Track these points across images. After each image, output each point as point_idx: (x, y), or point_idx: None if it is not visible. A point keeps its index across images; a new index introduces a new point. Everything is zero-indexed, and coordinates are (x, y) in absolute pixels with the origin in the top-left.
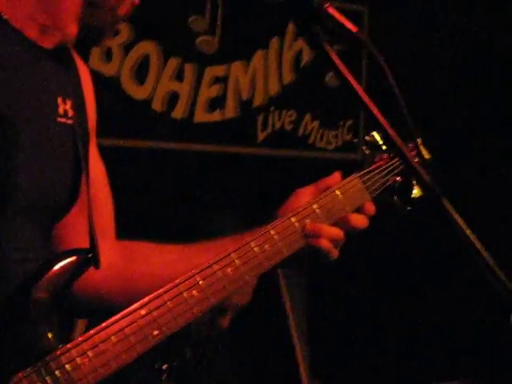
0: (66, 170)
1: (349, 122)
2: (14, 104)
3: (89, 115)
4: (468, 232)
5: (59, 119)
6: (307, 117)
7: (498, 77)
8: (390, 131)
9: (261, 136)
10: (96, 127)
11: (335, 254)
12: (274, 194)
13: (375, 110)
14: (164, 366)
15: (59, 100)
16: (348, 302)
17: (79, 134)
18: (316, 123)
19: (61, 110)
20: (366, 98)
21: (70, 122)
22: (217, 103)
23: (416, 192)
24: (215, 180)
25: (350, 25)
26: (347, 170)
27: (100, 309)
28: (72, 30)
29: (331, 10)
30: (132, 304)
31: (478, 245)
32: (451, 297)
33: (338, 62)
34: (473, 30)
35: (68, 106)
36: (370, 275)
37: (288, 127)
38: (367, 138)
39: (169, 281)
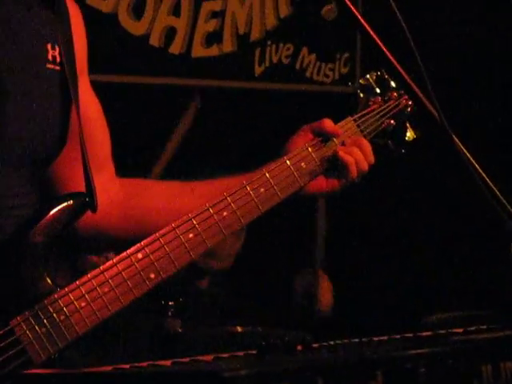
0: (54, 113)
1: (345, 55)
2: (4, 52)
3: (77, 57)
4: (473, 164)
5: (48, 65)
6: (304, 50)
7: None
8: (397, 64)
9: (258, 70)
10: (87, 66)
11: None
12: (272, 127)
13: (381, 45)
14: (170, 303)
15: (48, 46)
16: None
17: (68, 78)
18: (313, 56)
19: (49, 57)
20: (372, 33)
21: (58, 68)
22: (214, 38)
23: (409, 134)
24: (212, 114)
25: None
26: (344, 103)
27: (106, 244)
28: None
29: None
30: (136, 239)
31: (483, 175)
32: (452, 232)
33: None
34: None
35: (57, 51)
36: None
37: (285, 61)
38: (361, 81)
39: (171, 214)
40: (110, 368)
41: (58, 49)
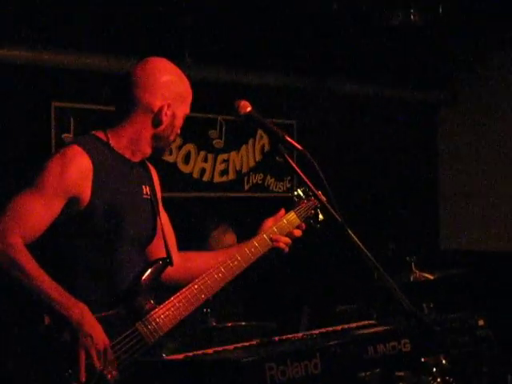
0: (149, 219)
1: (288, 178)
2: (122, 190)
3: (157, 192)
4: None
5: (144, 196)
6: (268, 176)
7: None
8: (308, 182)
9: (246, 186)
10: (162, 196)
11: (286, 249)
12: (254, 216)
13: (306, 178)
14: (207, 310)
15: (143, 187)
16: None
17: (153, 202)
18: (273, 180)
19: (144, 192)
20: (302, 174)
21: (148, 197)
22: (224, 172)
23: (321, 217)
24: (224, 209)
25: (296, 144)
26: (287, 201)
27: (174, 285)
28: (148, 151)
29: (287, 138)
30: (189, 282)
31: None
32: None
33: (288, 159)
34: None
35: (147, 189)
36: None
37: (259, 181)
38: (295, 193)
39: (206, 269)
40: (182, 356)
41: (147, 187)
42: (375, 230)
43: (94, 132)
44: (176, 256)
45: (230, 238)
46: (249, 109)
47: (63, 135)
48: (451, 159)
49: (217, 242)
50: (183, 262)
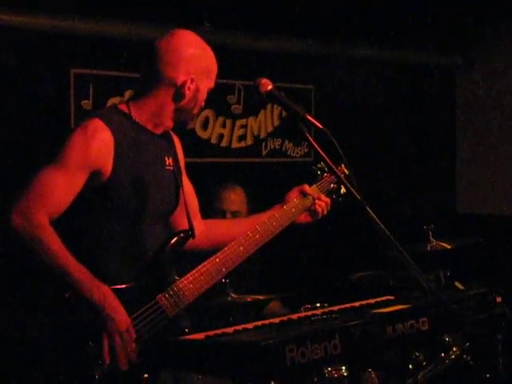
0: (172, 191)
1: (306, 143)
2: (145, 162)
3: (180, 162)
4: (379, 223)
5: (166, 167)
6: (286, 141)
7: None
8: (329, 161)
9: (264, 152)
10: (184, 164)
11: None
12: (274, 182)
13: (325, 156)
14: (225, 281)
15: (165, 158)
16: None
17: (176, 174)
18: (291, 144)
19: (167, 163)
20: (322, 152)
21: (171, 168)
22: (242, 137)
23: (342, 191)
24: (243, 174)
25: (316, 122)
26: (306, 166)
27: (196, 252)
28: (170, 124)
29: (308, 116)
30: (211, 249)
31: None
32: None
33: (309, 137)
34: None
35: (170, 160)
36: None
37: (277, 147)
38: (318, 166)
39: (229, 238)
40: (203, 336)
41: (170, 158)
42: (392, 197)
43: (116, 104)
44: (199, 224)
45: (240, 194)
46: (270, 87)
47: (82, 102)
48: (469, 123)
49: (226, 200)
50: (206, 230)
